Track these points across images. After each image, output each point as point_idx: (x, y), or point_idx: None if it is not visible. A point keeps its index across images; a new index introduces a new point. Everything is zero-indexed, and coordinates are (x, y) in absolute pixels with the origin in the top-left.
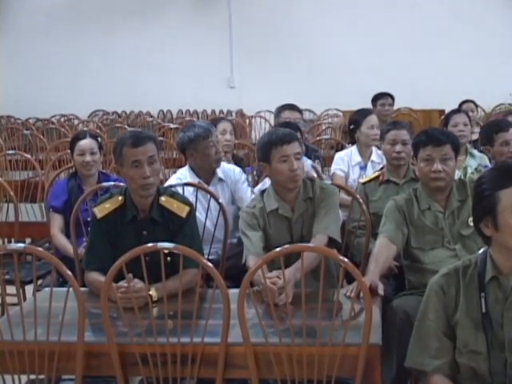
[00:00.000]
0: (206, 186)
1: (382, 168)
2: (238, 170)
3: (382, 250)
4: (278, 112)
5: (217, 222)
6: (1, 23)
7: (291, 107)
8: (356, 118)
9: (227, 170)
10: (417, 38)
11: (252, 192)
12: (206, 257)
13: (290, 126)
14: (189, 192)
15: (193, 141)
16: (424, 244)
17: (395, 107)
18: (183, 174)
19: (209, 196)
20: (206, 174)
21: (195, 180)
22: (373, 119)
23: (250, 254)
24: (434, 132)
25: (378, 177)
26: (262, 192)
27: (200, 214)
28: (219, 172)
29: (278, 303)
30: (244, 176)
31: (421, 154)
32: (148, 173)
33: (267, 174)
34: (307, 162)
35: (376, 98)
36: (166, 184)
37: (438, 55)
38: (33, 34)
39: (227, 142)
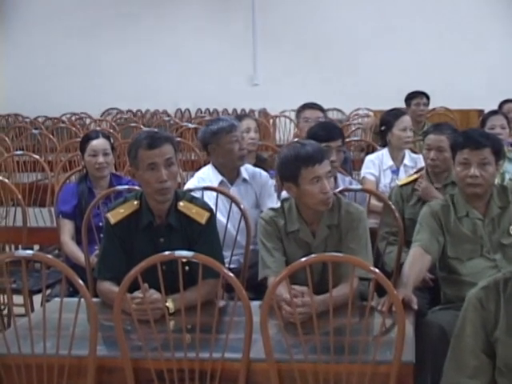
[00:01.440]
0: (228, 186)
1: (420, 169)
2: (265, 173)
3: (416, 260)
4: (298, 111)
5: (239, 226)
6: (10, 18)
7: (312, 106)
8: (388, 119)
9: (253, 171)
10: (454, 34)
11: (278, 199)
12: (227, 265)
13: (328, 127)
14: (210, 192)
15: (215, 134)
16: (461, 254)
17: (430, 107)
18: (205, 173)
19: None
20: (230, 172)
21: (218, 179)
22: (405, 120)
23: (271, 274)
24: (472, 134)
25: (416, 180)
26: (283, 201)
27: (221, 215)
28: (244, 172)
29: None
30: (271, 181)
31: (458, 157)
32: (165, 176)
33: (293, 195)
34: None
35: (410, 97)
36: (186, 185)
37: (477, 52)
38: (43, 29)
39: (252, 141)
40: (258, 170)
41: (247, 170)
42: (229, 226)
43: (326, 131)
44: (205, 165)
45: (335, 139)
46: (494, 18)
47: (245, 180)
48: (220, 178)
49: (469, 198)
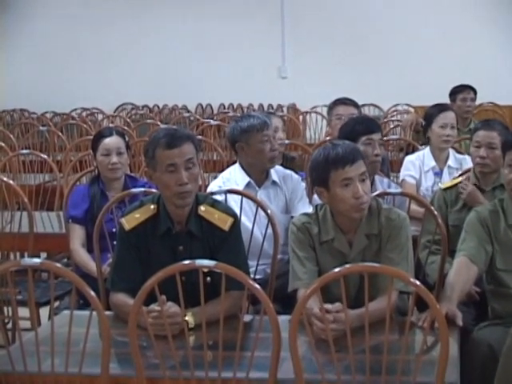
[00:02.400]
0: (256, 189)
1: (464, 173)
2: (296, 175)
3: (461, 272)
4: (329, 108)
5: (265, 233)
6: (15, 6)
7: (345, 101)
8: (429, 114)
9: (284, 173)
10: (501, 24)
11: (310, 205)
12: (252, 275)
13: (365, 119)
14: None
15: (245, 132)
16: (511, 265)
17: (477, 102)
18: (232, 174)
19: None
20: (258, 174)
21: (245, 180)
22: (448, 117)
23: (301, 286)
24: None
25: (461, 183)
26: (318, 207)
27: (247, 220)
28: (274, 174)
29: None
30: (303, 185)
31: (507, 158)
32: (185, 178)
33: (325, 200)
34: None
35: (455, 92)
36: (210, 187)
37: None
38: (50, 15)
39: (281, 141)
40: (289, 171)
41: (277, 171)
42: (255, 232)
43: (364, 124)
44: (228, 166)
45: (376, 131)
46: None
47: (274, 182)
48: (247, 179)
49: None
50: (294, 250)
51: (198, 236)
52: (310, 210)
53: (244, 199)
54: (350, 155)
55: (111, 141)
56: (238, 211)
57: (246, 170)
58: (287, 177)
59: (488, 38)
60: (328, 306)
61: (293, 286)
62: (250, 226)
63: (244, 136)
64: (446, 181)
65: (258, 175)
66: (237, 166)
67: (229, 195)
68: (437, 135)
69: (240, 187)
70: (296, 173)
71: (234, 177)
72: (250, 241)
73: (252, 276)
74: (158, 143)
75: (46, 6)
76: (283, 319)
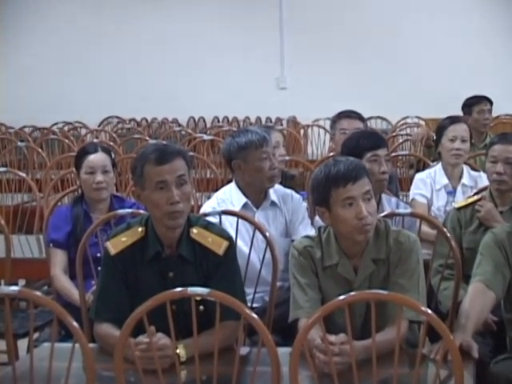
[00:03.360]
0: (254, 210)
1: (480, 191)
2: (297, 195)
3: (477, 299)
4: (333, 121)
5: (263, 258)
6: None
7: (350, 114)
8: (440, 127)
9: (284, 193)
10: None
11: (312, 227)
12: (249, 304)
13: (370, 133)
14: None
15: (243, 149)
16: None
17: (492, 114)
18: (227, 194)
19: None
20: (256, 194)
21: (242, 201)
22: (458, 129)
23: (303, 315)
24: None
25: (476, 201)
26: (320, 229)
27: (244, 244)
28: (273, 194)
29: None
30: (305, 205)
31: None
32: (176, 197)
33: (327, 222)
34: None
35: (471, 104)
36: (203, 208)
37: None
38: (35, 29)
39: (281, 158)
40: (289, 191)
41: (276, 191)
42: (253, 257)
43: (369, 139)
44: (223, 184)
45: (382, 147)
46: None
47: (273, 203)
48: (244, 199)
49: None
50: (295, 275)
51: (190, 261)
52: (312, 232)
53: (240, 221)
54: (352, 172)
55: (96, 158)
56: (233, 234)
57: (243, 189)
58: (287, 197)
59: (503, 46)
60: (331, 338)
61: (294, 315)
62: (246, 250)
63: (241, 153)
64: (460, 200)
65: (256, 195)
66: (233, 185)
67: (224, 217)
68: (446, 149)
69: (236, 208)
70: (296, 192)
71: (230, 197)
72: (247, 266)
73: (249, 304)
74: (146, 159)
75: (29, 19)
76: (283, 352)
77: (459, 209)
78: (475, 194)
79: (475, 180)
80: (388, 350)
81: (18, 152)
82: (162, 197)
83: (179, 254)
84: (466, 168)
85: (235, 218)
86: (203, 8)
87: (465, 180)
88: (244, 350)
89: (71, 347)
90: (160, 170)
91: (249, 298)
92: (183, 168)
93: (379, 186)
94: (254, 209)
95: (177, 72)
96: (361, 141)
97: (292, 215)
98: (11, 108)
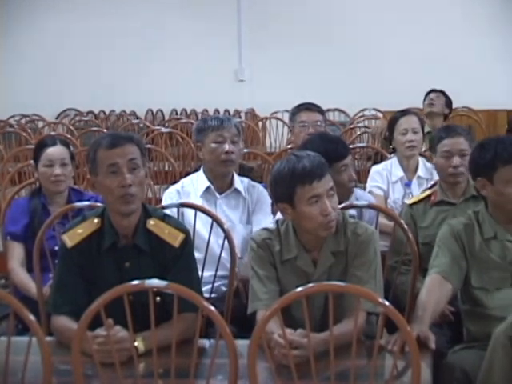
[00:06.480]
0: (216, 195)
1: (433, 185)
2: (263, 189)
3: (434, 290)
4: (292, 114)
5: (222, 246)
6: None
7: (309, 107)
8: (391, 120)
9: (251, 184)
10: (476, 24)
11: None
12: (207, 295)
13: (335, 141)
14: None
15: (201, 131)
16: (488, 283)
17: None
18: (193, 179)
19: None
20: (219, 179)
21: (205, 185)
22: (407, 121)
23: (261, 308)
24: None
25: (428, 197)
26: (279, 223)
27: (204, 228)
28: (238, 183)
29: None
30: (269, 200)
31: (500, 174)
32: (129, 180)
33: (289, 218)
34: None
35: (427, 97)
36: (168, 191)
37: (507, 44)
38: None
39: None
40: (257, 184)
41: (244, 182)
42: (213, 243)
43: (336, 149)
44: (181, 177)
45: (348, 154)
46: None
47: (237, 191)
48: (207, 183)
49: (500, 218)
50: (253, 268)
51: (146, 251)
52: (271, 224)
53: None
54: (317, 169)
55: (55, 151)
56: (193, 221)
57: (207, 174)
58: (254, 188)
59: (462, 38)
60: (290, 335)
61: (252, 307)
62: (206, 235)
63: (200, 135)
64: (416, 192)
65: (220, 181)
66: (201, 170)
67: (185, 197)
68: (400, 143)
69: (198, 192)
70: None
71: (196, 181)
72: (206, 251)
73: (207, 295)
74: (99, 145)
75: None
76: (242, 344)
77: (411, 205)
78: (431, 187)
79: (431, 172)
80: (346, 341)
81: None
82: (114, 180)
83: (135, 244)
84: (421, 160)
85: (198, 202)
86: (162, 0)
87: (420, 172)
88: (202, 342)
89: (28, 341)
90: (111, 154)
91: (208, 287)
92: (135, 152)
93: (349, 193)
94: (217, 194)
95: (135, 64)
96: (329, 150)
97: (255, 205)
98: None
